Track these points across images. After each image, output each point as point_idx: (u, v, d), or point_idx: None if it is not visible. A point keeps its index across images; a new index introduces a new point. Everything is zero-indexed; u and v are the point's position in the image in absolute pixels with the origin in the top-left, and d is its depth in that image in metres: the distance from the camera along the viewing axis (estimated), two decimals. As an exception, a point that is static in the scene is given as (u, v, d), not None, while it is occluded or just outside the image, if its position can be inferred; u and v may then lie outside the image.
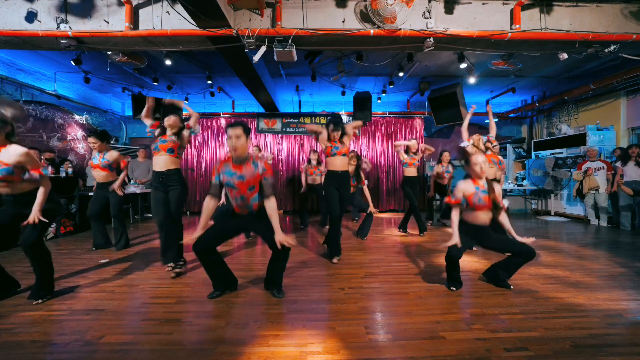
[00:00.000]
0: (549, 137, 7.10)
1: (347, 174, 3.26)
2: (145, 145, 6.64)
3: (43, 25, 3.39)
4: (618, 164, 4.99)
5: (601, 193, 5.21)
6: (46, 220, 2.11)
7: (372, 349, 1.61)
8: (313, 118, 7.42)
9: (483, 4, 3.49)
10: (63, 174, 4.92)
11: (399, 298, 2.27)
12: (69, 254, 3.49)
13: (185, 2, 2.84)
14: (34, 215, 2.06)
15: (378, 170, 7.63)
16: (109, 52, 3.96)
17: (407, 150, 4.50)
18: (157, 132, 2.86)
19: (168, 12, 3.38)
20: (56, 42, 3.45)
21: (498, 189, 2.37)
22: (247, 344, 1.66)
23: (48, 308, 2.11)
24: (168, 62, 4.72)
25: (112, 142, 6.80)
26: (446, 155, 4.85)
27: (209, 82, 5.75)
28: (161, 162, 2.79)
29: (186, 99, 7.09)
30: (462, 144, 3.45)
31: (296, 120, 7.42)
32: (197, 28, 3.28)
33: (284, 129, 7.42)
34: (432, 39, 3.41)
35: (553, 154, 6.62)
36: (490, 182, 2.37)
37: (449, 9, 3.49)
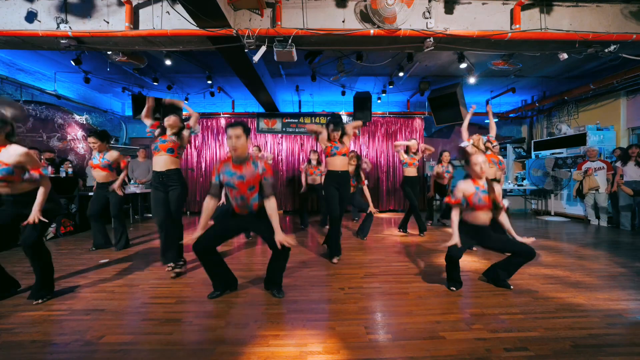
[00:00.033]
0: (549, 137, 7.10)
1: (347, 174, 3.26)
2: (145, 145, 6.64)
3: (43, 25, 3.39)
4: (618, 164, 4.99)
5: (601, 193, 5.21)
6: (46, 220, 2.11)
7: (372, 349, 1.61)
8: (313, 118, 7.42)
9: (483, 4, 3.49)
10: (63, 174, 4.92)
11: (399, 298, 2.27)
12: (69, 254, 3.49)
13: (185, 2, 2.84)
14: (34, 215, 2.06)
15: (378, 170, 7.63)
16: (109, 52, 3.96)
17: (407, 150, 4.50)
18: (157, 132, 2.86)
19: (168, 12, 3.38)
20: (56, 42, 3.45)
21: (498, 189, 2.37)
22: (247, 344, 1.66)
23: (48, 308, 2.11)
24: (168, 62, 4.72)
25: (112, 142, 6.83)
26: (446, 156, 4.85)
27: (209, 82, 5.75)
28: (161, 162, 2.79)
29: (186, 99, 7.09)
30: (462, 144, 3.45)
31: (296, 120, 7.41)
32: (197, 28, 3.28)
33: (284, 129, 7.42)
34: (432, 39, 3.41)
35: (553, 154, 6.62)
36: (490, 182, 2.37)
37: (449, 9, 3.49)
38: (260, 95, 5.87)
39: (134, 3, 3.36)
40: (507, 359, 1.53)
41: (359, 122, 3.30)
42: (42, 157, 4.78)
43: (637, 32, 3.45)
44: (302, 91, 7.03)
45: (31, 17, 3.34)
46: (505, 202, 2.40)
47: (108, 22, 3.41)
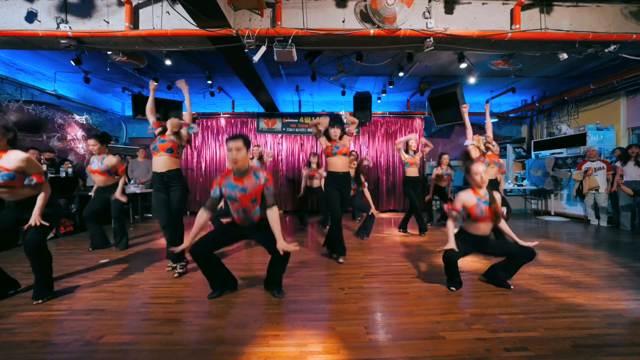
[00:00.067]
0: (549, 137, 7.10)
1: (348, 175, 3.26)
2: (145, 145, 6.64)
3: (43, 25, 3.39)
4: (618, 164, 4.99)
5: (601, 193, 5.21)
6: (47, 224, 2.12)
7: (372, 349, 1.61)
8: (313, 118, 7.41)
9: (483, 4, 3.49)
10: (63, 174, 4.92)
11: (399, 298, 2.27)
12: (69, 254, 3.49)
13: (185, 2, 2.84)
14: (34, 219, 2.07)
15: (378, 170, 7.63)
16: (109, 52, 3.96)
17: (407, 149, 4.50)
18: (157, 130, 2.86)
19: (168, 12, 3.38)
20: (56, 42, 3.45)
21: (498, 197, 2.35)
22: (247, 344, 1.66)
23: (48, 308, 2.11)
24: (168, 62, 4.72)
25: (112, 142, 6.84)
26: (445, 158, 4.84)
27: (209, 82, 5.75)
28: (161, 162, 2.79)
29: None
30: (466, 142, 3.43)
31: (296, 120, 7.42)
32: (197, 28, 3.28)
33: (284, 129, 7.43)
34: (432, 39, 3.41)
35: (553, 154, 6.62)
36: (491, 191, 2.33)
37: (449, 9, 3.49)
38: (260, 95, 5.87)
39: (134, 3, 3.36)
40: (507, 359, 1.53)
41: (355, 120, 3.28)
42: (42, 157, 4.78)
43: (637, 32, 3.45)
44: (302, 91, 7.03)
45: (31, 17, 3.34)
46: (504, 210, 2.39)
47: (108, 22, 3.41)
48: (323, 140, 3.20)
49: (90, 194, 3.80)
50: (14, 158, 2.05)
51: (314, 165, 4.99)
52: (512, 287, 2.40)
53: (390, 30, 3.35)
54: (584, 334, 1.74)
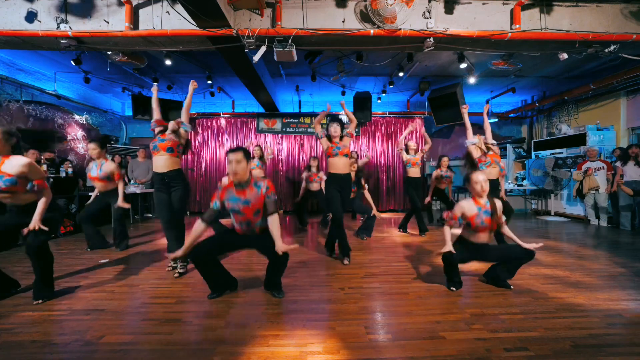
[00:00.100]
0: (549, 137, 7.10)
1: (349, 177, 3.26)
2: (145, 145, 6.64)
3: (43, 25, 3.38)
4: (618, 164, 4.99)
5: (601, 193, 5.21)
6: (46, 229, 2.12)
7: (372, 349, 1.61)
8: (313, 118, 7.42)
9: (483, 4, 3.49)
10: (63, 174, 4.92)
11: (399, 298, 2.27)
12: (69, 254, 3.49)
13: (185, 2, 2.84)
14: (34, 223, 2.07)
15: (378, 170, 7.64)
16: (109, 52, 3.97)
17: (407, 149, 4.51)
18: (158, 129, 2.86)
19: (168, 12, 3.38)
20: (56, 42, 3.45)
21: (499, 205, 2.33)
22: (247, 344, 1.66)
23: (48, 308, 2.11)
24: (168, 62, 4.72)
25: (112, 142, 6.84)
26: (445, 160, 4.84)
27: (209, 82, 5.75)
28: (162, 162, 2.79)
29: (186, 99, 7.09)
30: (467, 142, 3.43)
31: (296, 120, 7.42)
32: (197, 28, 3.28)
33: (284, 129, 7.43)
34: (432, 39, 3.41)
35: (553, 154, 6.62)
36: (493, 201, 2.31)
37: (449, 9, 3.48)
38: (260, 95, 5.87)
39: (134, 3, 3.36)
40: (507, 359, 1.53)
41: (352, 116, 3.31)
42: (42, 157, 4.78)
43: (637, 32, 3.45)
44: (302, 91, 7.03)
45: (31, 17, 3.34)
46: (504, 218, 2.38)
47: (108, 22, 3.41)
48: (324, 141, 3.20)
49: (90, 194, 3.80)
50: (16, 163, 2.06)
51: (313, 169, 4.97)
52: (512, 287, 2.40)
53: (390, 30, 3.34)
54: (584, 334, 1.74)
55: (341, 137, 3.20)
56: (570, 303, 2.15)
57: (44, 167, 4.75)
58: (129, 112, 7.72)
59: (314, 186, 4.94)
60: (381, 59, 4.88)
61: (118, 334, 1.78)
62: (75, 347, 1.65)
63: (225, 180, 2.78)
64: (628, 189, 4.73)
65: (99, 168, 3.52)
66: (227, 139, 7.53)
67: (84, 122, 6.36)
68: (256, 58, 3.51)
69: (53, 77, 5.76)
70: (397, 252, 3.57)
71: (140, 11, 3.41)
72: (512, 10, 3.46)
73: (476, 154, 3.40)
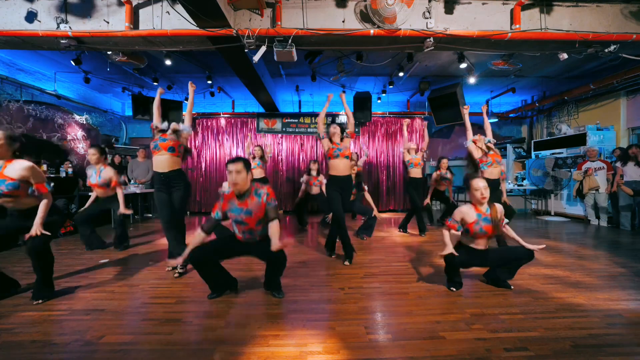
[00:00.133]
0: (549, 137, 7.10)
1: (350, 178, 3.27)
2: (145, 145, 6.63)
3: (43, 25, 3.38)
4: (618, 164, 4.98)
5: (601, 193, 5.21)
6: (48, 234, 2.12)
7: (372, 349, 1.61)
8: (313, 118, 7.42)
9: (483, 4, 3.49)
10: (63, 174, 4.92)
11: (399, 298, 2.27)
12: (69, 254, 3.49)
13: (185, 2, 2.84)
14: (35, 229, 2.07)
15: (378, 170, 7.64)
16: (109, 52, 3.97)
17: (408, 149, 4.52)
18: (158, 129, 2.86)
19: (168, 12, 3.38)
20: (56, 42, 3.45)
21: (500, 210, 2.32)
22: (247, 344, 1.66)
23: (48, 308, 2.11)
24: (168, 62, 4.72)
25: (112, 142, 6.85)
26: (444, 162, 4.84)
27: (209, 82, 5.75)
28: (163, 162, 2.78)
29: (186, 99, 7.09)
30: (467, 143, 3.43)
31: (296, 120, 7.42)
32: (197, 28, 3.28)
33: (284, 129, 7.43)
34: (432, 39, 3.41)
35: (553, 154, 6.62)
36: (494, 208, 2.29)
37: (449, 9, 3.48)
38: (260, 95, 5.87)
39: (134, 3, 3.36)
40: (507, 359, 1.53)
41: (350, 114, 3.32)
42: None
43: (637, 32, 3.45)
44: (302, 91, 7.03)
45: (31, 17, 3.34)
46: (505, 221, 2.36)
47: (108, 22, 3.41)
48: (326, 141, 3.20)
49: (90, 193, 3.81)
50: (18, 167, 2.07)
51: (313, 172, 4.94)
52: (512, 287, 2.40)
53: (390, 30, 3.34)
54: (584, 334, 1.74)
55: (342, 139, 3.20)
56: (570, 303, 2.15)
57: (44, 167, 4.75)
58: (129, 112, 7.72)
59: (314, 190, 4.93)
60: (381, 59, 4.88)
61: (118, 334, 1.78)
62: (75, 347, 1.65)
63: (225, 185, 2.77)
64: (628, 189, 4.73)
65: (98, 175, 3.53)
66: (227, 139, 7.54)
67: (84, 122, 6.36)
68: (256, 58, 3.51)
69: (53, 77, 5.76)
70: (397, 252, 3.57)
71: (140, 11, 3.41)
72: (512, 10, 3.46)
73: (477, 154, 3.40)
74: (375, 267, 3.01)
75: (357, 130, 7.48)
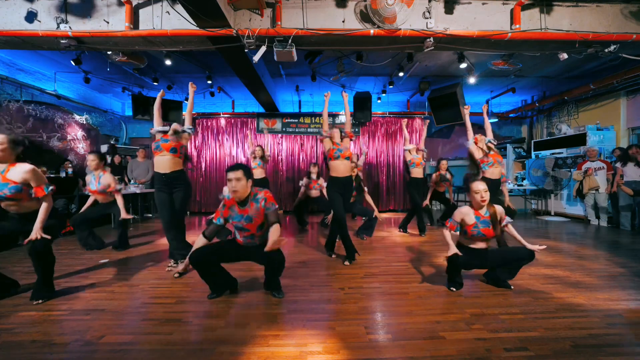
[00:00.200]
0: (549, 137, 7.10)
1: (351, 179, 3.27)
2: (145, 145, 6.64)
3: (43, 25, 3.39)
4: (618, 164, 4.98)
5: (601, 193, 5.21)
6: (48, 237, 2.12)
7: (372, 349, 1.61)
8: (313, 118, 7.43)
9: (483, 4, 3.49)
10: (63, 174, 4.92)
11: (399, 298, 2.27)
12: (69, 254, 3.49)
13: (185, 2, 2.84)
14: (35, 233, 2.07)
15: (378, 170, 7.64)
16: (109, 52, 3.97)
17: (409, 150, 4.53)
18: (159, 129, 2.86)
19: (168, 12, 3.38)
20: (56, 42, 3.45)
21: (500, 211, 2.31)
22: (247, 344, 1.66)
23: (48, 308, 2.11)
24: (168, 62, 4.72)
25: (112, 142, 6.85)
26: (444, 164, 4.84)
27: (209, 82, 5.76)
28: (165, 163, 2.78)
29: (186, 99, 7.10)
30: (467, 143, 3.43)
31: (296, 120, 7.42)
32: (197, 28, 3.28)
33: (284, 129, 7.43)
34: (432, 39, 3.41)
35: (553, 154, 6.62)
36: (494, 210, 2.28)
37: (449, 9, 3.49)
38: (260, 95, 5.87)
39: (134, 3, 3.36)
40: (507, 359, 1.53)
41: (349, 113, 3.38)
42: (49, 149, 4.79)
43: (637, 32, 3.45)
44: (302, 91, 7.03)
45: (31, 17, 3.34)
46: (508, 219, 2.36)
47: (108, 22, 3.41)
48: (327, 141, 3.21)
49: (88, 193, 3.81)
50: (20, 170, 2.08)
51: (313, 176, 4.93)
52: (512, 287, 2.40)
53: (390, 30, 3.35)
54: (584, 334, 1.74)
55: (341, 138, 3.22)
56: (570, 303, 2.15)
57: (44, 167, 4.75)
58: (129, 112, 7.72)
59: (313, 193, 4.93)
60: (381, 59, 4.88)
61: (118, 334, 1.78)
62: (75, 347, 1.64)
63: (225, 190, 2.78)
64: (628, 189, 4.73)
65: (97, 181, 3.54)
66: (227, 139, 7.54)
67: (84, 122, 6.36)
68: (256, 58, 3.51)
69: (53, 77, 5.77)
70: (397, 252, 3.57)
71: (140, 11, 3.41)
72: (512, 10, 3.46)
73: (478, 154, 3.40)
74: (375, 267, 3.01)
75: (357, 130, 7.48)
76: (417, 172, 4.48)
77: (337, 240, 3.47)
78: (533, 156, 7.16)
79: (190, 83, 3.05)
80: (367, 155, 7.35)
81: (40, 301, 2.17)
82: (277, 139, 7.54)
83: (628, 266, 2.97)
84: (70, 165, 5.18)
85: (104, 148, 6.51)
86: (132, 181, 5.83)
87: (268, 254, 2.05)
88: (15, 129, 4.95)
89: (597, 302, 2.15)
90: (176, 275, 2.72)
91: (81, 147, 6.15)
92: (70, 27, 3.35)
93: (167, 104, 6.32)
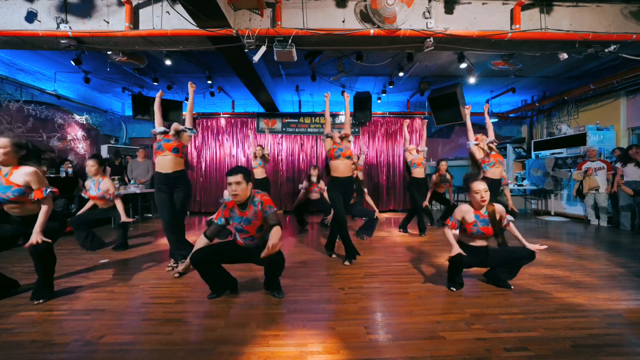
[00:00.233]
0: (549, 137, 7.10)
1: (351, 179, 3.28)
2: (145, 145, 6.65)
3: (43, 25, 3.39)
4: (618, 164, 4.98)
5: (601, 193, 5.21)
6: (49, 241, 2.12)
7: (372, 349, 1.61)
8: (313, 118, 7.43)
9: (483, 4, 3.49)
10: (63, 174, 4.92)
11: (399, 298, 2.27)
12: (69, 254, 3.49)
13: (185, 2, 2.84)
14: (35, 237, 2.07)
15: (378, 170, 7.64)
16: (109, 52, 3.96)
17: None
18: (159, 130, 2.86)
19: (168, 12, 3.38)
20: (56, 42, 3.45)
21: (501, 210, 2.31)
22: (247, 344, 1.66)
23: (48, 308, 2.11)
24: (168, 62, 4.72)
25: (112, 142, 6.86)
26: (443, 164, 4.84)
27: (209, 82, 5.76)
28: (167, 163, 2.79)
29: (186, 99, 7.09)
30: (470, 143, 3.44)
31: (296, 120, 7.42)
32: (197, 28, 3.28)
33: (284, 129, 7.43)
34: (432, 39, 3.41)
35: (553, 154, 6.61)
36: (493, 209, 2.29)
37: (449, 9, 3.48)
38: (260, 95, 5.87)
39: (134, 3, 3.36)
40: (507, 359, 1.53)
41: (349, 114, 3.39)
42: (42, 156, 4.79)
43: (637, 32, 3.45)
44: (302, 91, 7.03)
45: (31, 17, 3.34)
46: (509, 218, 2.37)
47: (108, 22, 3.41)
48: (328, 141, 3.22)
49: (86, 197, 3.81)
50: (22, 173, 2.09)
51: (313, 179, 4.92)
52: (512, 287, 2.40)
53: (390, 30, 3.34)
54: (584, 334, 1.74)
55: (341, 138, 3.23)
56: (570, 303, 2.15)
57: (44, 167, 4.75)
58: (129, 112, 7.72)
59: (314, 196, 4.93)
60: (381, 59, 4.88)
61: (118, 334, 1.78)
62: (75, 347, 1.65)
63: (226, 193, 2.79)
64: (628, 189, 4.73)
65: (97, 187, 3.56)
66: (227, 139, 7.54)
67: (84, 122, 6.36)
68: (256, 58, 3.51)
69: (53, 77, 5.76)
70: (397, 252, 3.57)
71: (140, 11, 3.41)
72: (512, 10, 3.46)
73: (479, 155, 3.40)
74: (375, 267, 3.01)
75: (357, 130, 7.47)
76: (418, 172, 4.48)
77: (337, 240, 3.47)
78: (533, 156, 7.16)
79: (189, 83, 3.05)
80: (366, 155, 7.36)
81: (40, 301, 2.17)
82: (277, 139, 7.54)
83: (628, 266, 2.97)
84: (70, 165, 5.17)
85: (104, 149, 6.51)
86: (132, 181, 5.83)
87: (269, 257, 2.02)
88: (15, 129, 4.95)
89: (597, 302, 2.15)
90: (176, 275, 2.72)
91: (81, 147, 6.15)
92: (70, 27, 3.35)
93: (167, 104, 6.31)
